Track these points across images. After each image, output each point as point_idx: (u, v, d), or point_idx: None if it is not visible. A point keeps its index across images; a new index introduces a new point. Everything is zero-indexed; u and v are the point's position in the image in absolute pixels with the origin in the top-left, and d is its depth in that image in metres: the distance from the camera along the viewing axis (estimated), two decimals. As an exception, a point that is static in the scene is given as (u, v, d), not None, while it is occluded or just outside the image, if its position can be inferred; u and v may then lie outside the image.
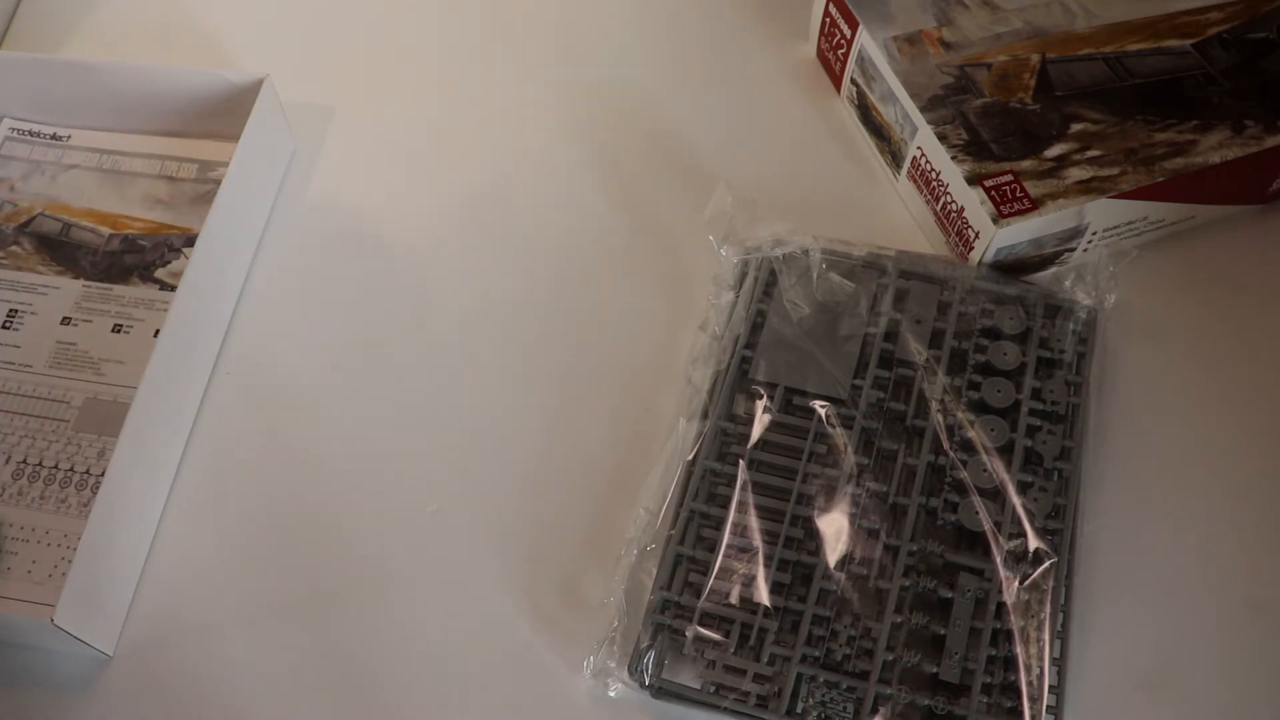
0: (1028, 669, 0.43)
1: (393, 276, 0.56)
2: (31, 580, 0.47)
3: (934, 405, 0.48)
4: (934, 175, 0.53)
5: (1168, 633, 0.46)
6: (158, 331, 0.49)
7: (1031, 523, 0.45)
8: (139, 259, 0.56)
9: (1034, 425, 0.48)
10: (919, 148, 0.54)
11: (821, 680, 0.44)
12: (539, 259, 0.56)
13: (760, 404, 0.49)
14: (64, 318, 0.54)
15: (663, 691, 0.44)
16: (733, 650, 0.44)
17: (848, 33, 0.57)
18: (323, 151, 0.60)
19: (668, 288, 0.55)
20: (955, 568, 0.45)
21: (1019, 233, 0.50)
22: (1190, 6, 0.56)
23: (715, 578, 0.45)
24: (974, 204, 0.50)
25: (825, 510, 0.46)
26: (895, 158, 0.56)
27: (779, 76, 0.62)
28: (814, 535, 0.46)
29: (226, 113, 0.56)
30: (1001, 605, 0.44)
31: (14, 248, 0.56)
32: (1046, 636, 0.43)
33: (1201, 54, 0.55)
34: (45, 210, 0.58)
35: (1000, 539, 0.45)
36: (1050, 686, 0.43)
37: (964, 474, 0.47)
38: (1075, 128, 0.52)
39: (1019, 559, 0.45)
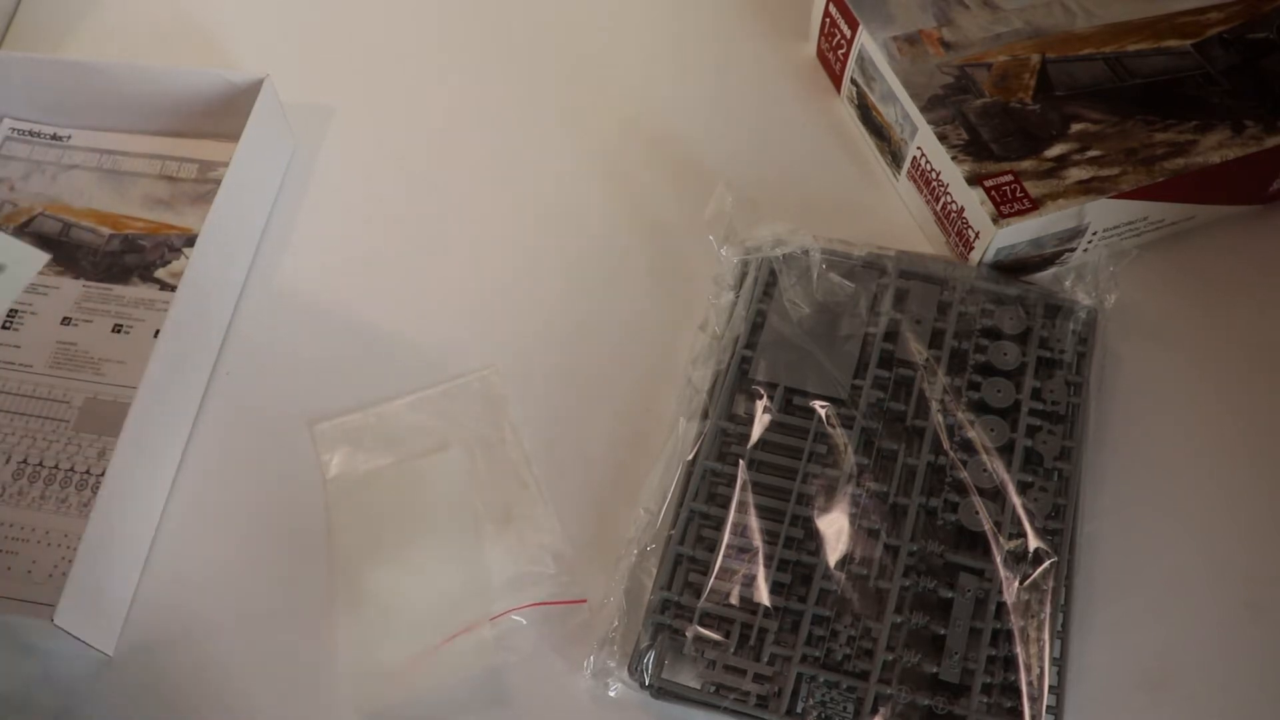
0: (1028, 669, 0.43)
1: (392, 276, 0.56)
2: (31, 580, 0.47)
3: (934, 405, 0.48)
4: (934, 175, 0.53)
5: (1168, 633, 0.46)
6: (158, 331, 0.49)
7: (1031, 523, 0.45)
8: (139, 259, 0.56)
9: (1034, 425, 0.48)
10: (919, 148, 0.54)
11: (821, 680, 0.44)
12: (539, 259, 0.56)
13: (760, 404, 0.49)
14: (64, 318, 0.54)
15: (663, 691, 0.44)
16: (733, 650, 0.44)
17: (848, 33, 0.57)
18: (323, 151, 0.60)
19: (668, 288, 0.55)
20: (955, 568, 0.45)
21: (1019, 233, 0.50)
22: (1190, 6, 0.56)
23: (715, 578, 0.45)
24: (974, 204, 0.50)
25: (825, 510, 0.46)
26: (895, 158, 0.56)
27: (779, 76, 0.62)
28: (814, 535, 0.46)
29: (226, 113, 0.56)
30: (1001, 605, 0.44)
31: (14, 248, 0.56)
32: (1046, 636, 0.43)
33: (1201, 54, 0.55)
34: (45, 210, 0.58)
35: (1000, 539, 0.45)
36: (1050, 686, 0.43)
37: (964, 474, 0.47)
38: (1075, 128, 0.52)
39: (1019, 559, 0.45)
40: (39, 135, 0.60)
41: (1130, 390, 0.51)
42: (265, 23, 0.65)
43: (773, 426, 0.48)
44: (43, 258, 0.40)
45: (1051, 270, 0.53)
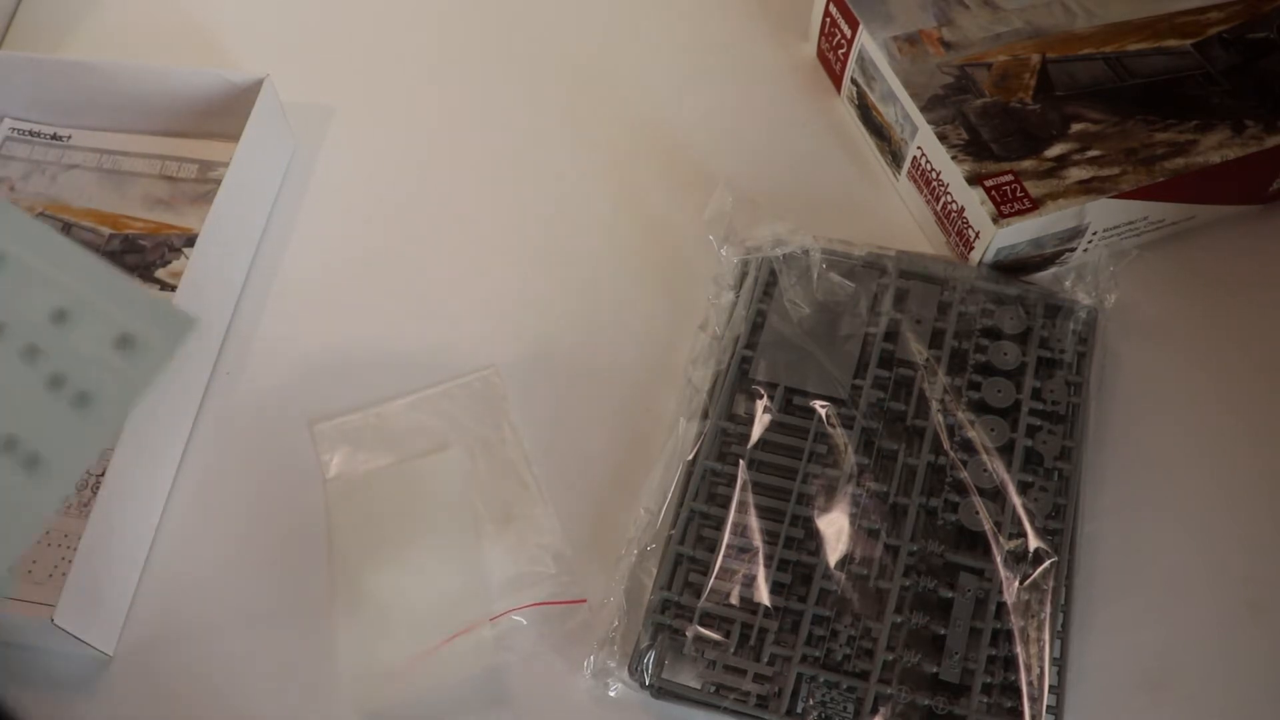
0: (1028, 669, 0.43)
1: (392, 276, 0.56)
2: (31, 580, 0.47)
3: (934, 405, 0.48)
4: (934, 175, 0.53)
5: (1168, 633, 0.46)
6: (158, 331, 0.49)
7: (1031, 522, 0.45)
8: (139, 259, 0.56)
9: (1034, 425, 0.48)
10: (919, 148, 0.54)
11: (822, 680, 0.44)
12: (539, 259, 0.56)
13: (760, 404, 0.49)
14: (64, 318, 0.54)
15: (663, 691, 0.44)
16: (733, 650, 0.44)
17: (848, 33, 0.57)
18: (323, 151, 0.60)
19: (668, 288, 0.55)
20: (955, 568, 0.45)
21: (1019, 233, 0.50)
22: (1190, 6, 0.56)
23: (715, 578, 0.45)
24: (974, 204, 0.50)
25: (825, 510, 0.46)
26: (895, 158, 0.56)
27: (779, 76, 0.62)
28: (814, 535, 0.46)
29: (226, 113, 0.56)
30: (1001, 605, 0.44)
31: (14, 248, 0.56)
32: (1046, 636, 0.43)
33: (1201, 54, 0.55)
34: (45, 210, 0.58)
35: (1000, 539, 0.45)
36: (1050, 686, 0.43)
37: (964, 474, 0.47)
38: (1075, 128, 0.52)
39: (1019, 559, 0.45)
40: (39, 135, 0.60)
41: (1130, 390, 0.51)
42: (265, 23, 0.65)
43: (773, 426, 0.48)
44: (191, 324, 0.29)
45: (1051, 270, 0.53)
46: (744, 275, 0.52)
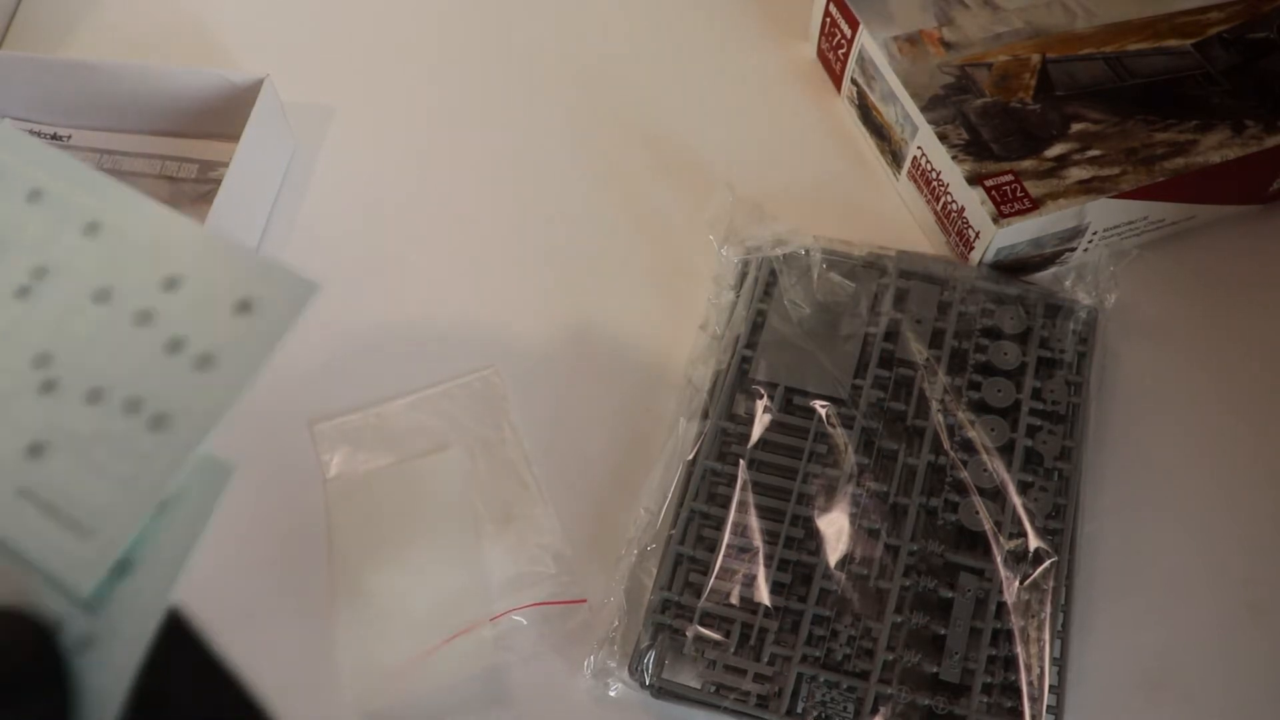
0: (1028, 669, 0.43)
1: (392, 276, 0.56)
2: (31, 580, 0.47)
3: (934, 405, 0.48)
4: (934, 175, 0.53)
5: (1168, 633, 0.46)
6: (158, 331, 0.49)
7: (1032, 522, 0.45)
8: (139, 259, 0.56)
9: (1034, 425, 0.48)
10: (919, 148, 0.54)
11: (822, 680, 0.44)
12: (539, 259, 0.56)
13: (760, 404, 0.49)
14: (64, 318, 0.54)
15: (663, 691, 0.44)
16: (733, 650, 0.44)
17: (848, 33, 0.57)
18: (323, 151, 0.60)
19: (668, 288, 0.55)
20: (955, 567, 0.45)
21: (1019, 233, 0.50)
22: (1190, 6, 0.56)
23: (715, 578, 0.45)
24: (974, 204, 0.50)
25: (825, 510, 0.46)
26: (895, 158, 0.56)
27: (779, 76, 0.62)
28: (814, 535, 0.46)
29: (226, 113, 0.56)
30: (1002, 605, 0.44)
31: (14, 248, 0.56)
32: (1047, 636, 0.43)
33: (1201, 54, 0.55)
34: (45, 210, 0.58)
35: (1000, 539, 0.45)
36: (1050, 686, 0.43)
37: (964, 474, 0.47)
38: (1075, 128, 0.52)
39: (1019, 559, 0.45)
40: (39, 135, 0.60)
41: (1130, 390, 0.51)
42: (265, 23, 0.65)
43: (773, 426, 0.48)
44: (312, 289, 0.28)
45: (1051, 270, 0.53)
46: (744, 275, 0.52)
